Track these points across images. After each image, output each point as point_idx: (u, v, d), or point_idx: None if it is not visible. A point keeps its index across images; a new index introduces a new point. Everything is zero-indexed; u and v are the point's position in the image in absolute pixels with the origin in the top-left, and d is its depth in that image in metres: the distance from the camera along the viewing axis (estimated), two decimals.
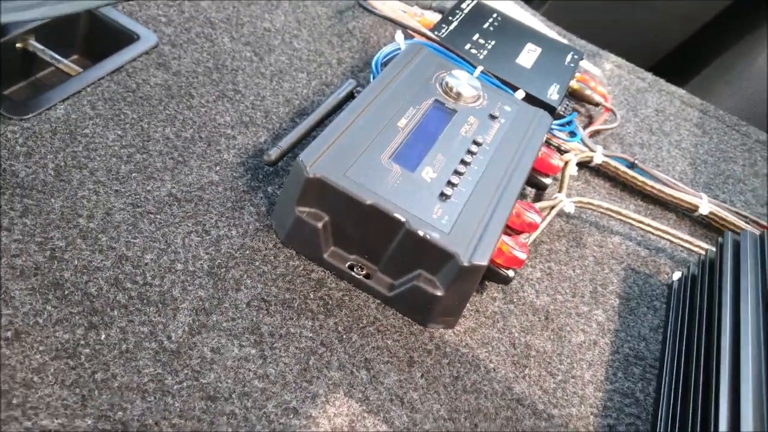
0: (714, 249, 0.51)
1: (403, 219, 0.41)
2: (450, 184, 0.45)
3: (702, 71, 0.99)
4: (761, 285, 0.45)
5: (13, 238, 0.39)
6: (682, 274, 0.54)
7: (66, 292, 0.37)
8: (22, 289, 0.37)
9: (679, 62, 1.09)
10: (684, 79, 0.97)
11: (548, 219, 0.52)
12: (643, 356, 0.48)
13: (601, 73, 0.77)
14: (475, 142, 0.49)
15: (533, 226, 0.47)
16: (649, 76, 0.81)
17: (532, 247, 0.53)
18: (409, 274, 0.43)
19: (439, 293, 0.42)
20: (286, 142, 0.47)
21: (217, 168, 0.48)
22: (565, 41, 0.80)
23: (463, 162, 0.47)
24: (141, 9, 0.57)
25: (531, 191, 0.58)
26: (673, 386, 0.45)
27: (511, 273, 0.45)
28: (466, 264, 0.40)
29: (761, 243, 0.48)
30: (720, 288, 0.47)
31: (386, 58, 0.58)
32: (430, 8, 0.71)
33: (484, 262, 0.41)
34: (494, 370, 0.43)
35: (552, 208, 0.53)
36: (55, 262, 0.39)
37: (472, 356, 0.43)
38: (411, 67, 0.54)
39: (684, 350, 0.46)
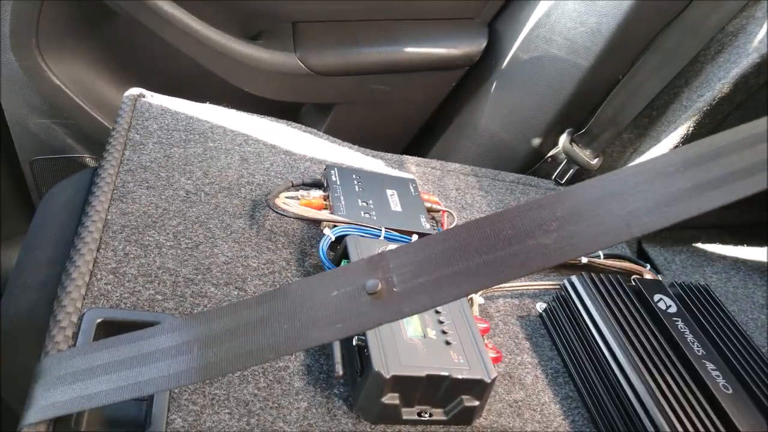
0: (562, 289, 0.86)
1: (446, 374, 0.65)
2: (443, 333, 0.70)
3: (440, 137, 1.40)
4: (601, 308, 0.82)
5: None
6: (546, 307, 0.88)
7: None
8: None
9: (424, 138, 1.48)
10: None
11: (476, 315, 0.81)
12: (557, 369, 0.82)
13: (415, 177, 1.07)
14: None
15: (486, 330, 0.76)
16: (437, 162, 1.14)
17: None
18: (454, 401, 0.67)
19: (477, 403, 0.67)
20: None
21: None
22: (399, 172, 1.07)
23: (436, 311, 0.72)
24: None
25: None
26: (583, 379, 0.79)
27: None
28: (488, 381, 0.67)
29: (587, 284, 0.85)
30: (577, 311, 0.82)
31: (328, 246, 0.78)
32: (302, 184, 0.91)
33: (495, 374, 0.68)
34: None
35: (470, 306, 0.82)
36: None
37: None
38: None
39: (573, 354, 0.81)
